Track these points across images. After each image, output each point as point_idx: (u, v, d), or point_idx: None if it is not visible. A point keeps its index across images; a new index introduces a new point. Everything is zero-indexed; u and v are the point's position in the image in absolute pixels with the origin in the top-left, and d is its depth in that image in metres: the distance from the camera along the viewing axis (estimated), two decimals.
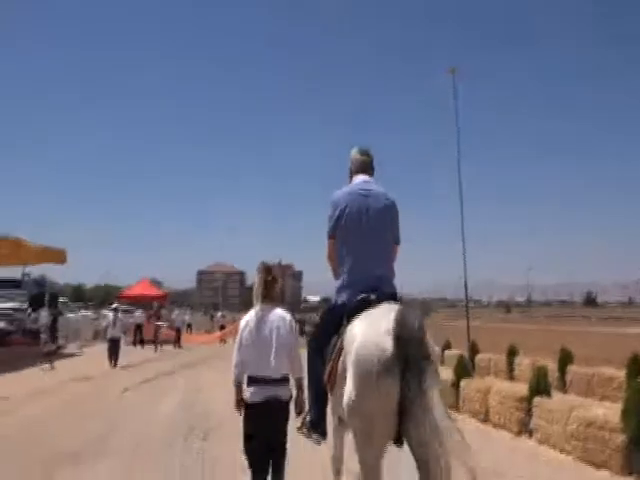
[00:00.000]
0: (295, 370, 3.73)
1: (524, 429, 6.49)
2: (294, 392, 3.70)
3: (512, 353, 11.62)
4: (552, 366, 9.96)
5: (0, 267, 20.03)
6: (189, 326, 28.96)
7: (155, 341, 21.44)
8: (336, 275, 3.49)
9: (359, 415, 2.73)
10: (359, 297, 3.18)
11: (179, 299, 64.96)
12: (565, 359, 10.08)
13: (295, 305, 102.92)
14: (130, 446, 6.10)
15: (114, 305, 16.93)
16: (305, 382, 3.64)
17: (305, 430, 3.45)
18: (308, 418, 3.47)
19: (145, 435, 6.64)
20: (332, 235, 3.45)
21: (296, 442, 3.73)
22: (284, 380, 3.67)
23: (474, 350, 12.54)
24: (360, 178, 3.57)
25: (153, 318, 22.70)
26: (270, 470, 3.60)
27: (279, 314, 3.77)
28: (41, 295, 22.67)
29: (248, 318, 3.77)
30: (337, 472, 3.58)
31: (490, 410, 7.22)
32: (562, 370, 9.93)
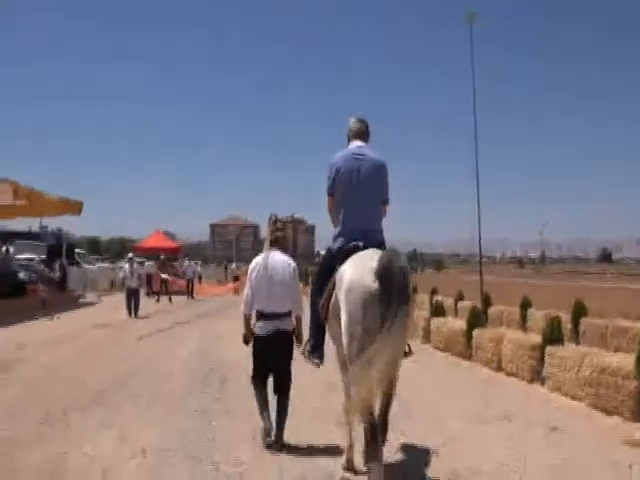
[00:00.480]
0: (295, 308, 4.42)
1: (536, 377, 6.57)
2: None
3: (525, 305, 11.64)
4: (565, 318, 9.98)
5: (18, 218, 20.21)
6: (199, 278, 29.26)
7: (158, 293, 21.55)
8: (335, 226, 3.98)
9: (354, 338, 3.24)
10: (350, 244, 3.72)
11: (192, 252, 65.64)
12: (579, 311, 10.07)
13: (307, 258, 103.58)
14: (150, 390, 6.29)
15: (130, 255, 16.94)
16: (304, 317, 4.36)
17: (306, 354, 4.08)
18: (308, 345, 4.07)
19: (164, 381, 6.83)
20: (331, 192, 3.96)
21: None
22: (288, 314, 4.37)
23: (487, 302, 12.57)
24: (355, 144, 4.00)
25: (161, 270, 22.60)
26: (277, 395, 4.37)
27: (284, 259, 4.42)
28: (59, 247, 23.02)
29: (257, 260, 4.43)
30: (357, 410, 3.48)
31: (503, 359, 7.29)
32: (575, 322, 9.94)
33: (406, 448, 4.32)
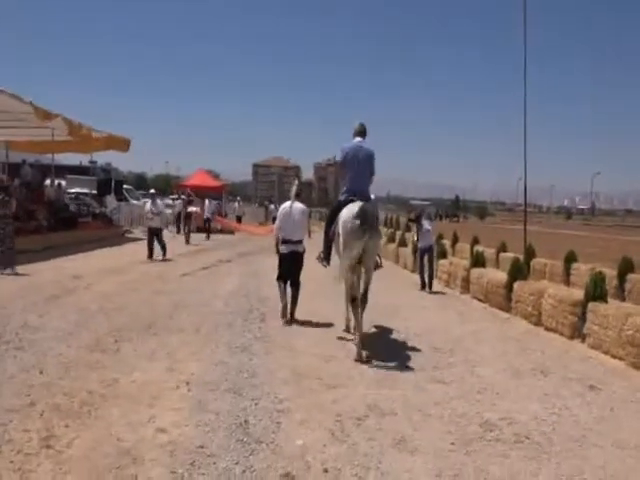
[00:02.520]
0: (305, 236, 7.15)
1: (577, 333, 6.50)
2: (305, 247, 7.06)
3: (570, 259, 11.39)
4: (611, 274, 9.73)
5: (69, 153, 20.78)
6: (239, 217, 29.59)
7: (207, 230, 21.64)
8: (342, 186, 6.41)
9: (345, 250, 5.66)
10: (349, 197, 5.97)
11: (235, 191, 66.31)
12: (626, 267, 9.80)
13: None
14: (194, 324, 6.56)
15: (152, 191, 15.53)
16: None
17: (319, 260, 6.54)
18: (321, 254, 6.51)
19: (207, 316, 7.09)
20: (342, 166, 6.33)
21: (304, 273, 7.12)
22: (300, 242, 7.00)
23: (530, 254, 12.34)
24: (357, 139, 6.27)
25: (189, 206, 20.77)
26: (292, 288, 6.98)
27: (301, 207, 7.05)
28: (107, 182, 23.62)
29: (285, 205, 7.10)
30: (350, 299, 6.07)
31: (543, 313, 7.23)
32: (622, 278, 9.69)
33: (439, 390, 4.41)
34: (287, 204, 7.02)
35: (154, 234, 13.48)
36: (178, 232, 21.90)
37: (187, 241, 18.83)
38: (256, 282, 10.39)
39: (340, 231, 5.72)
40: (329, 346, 5.83)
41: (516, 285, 8.05)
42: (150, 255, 13.28)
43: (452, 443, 3.51)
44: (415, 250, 11.63)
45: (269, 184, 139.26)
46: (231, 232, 25.23)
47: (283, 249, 6.93)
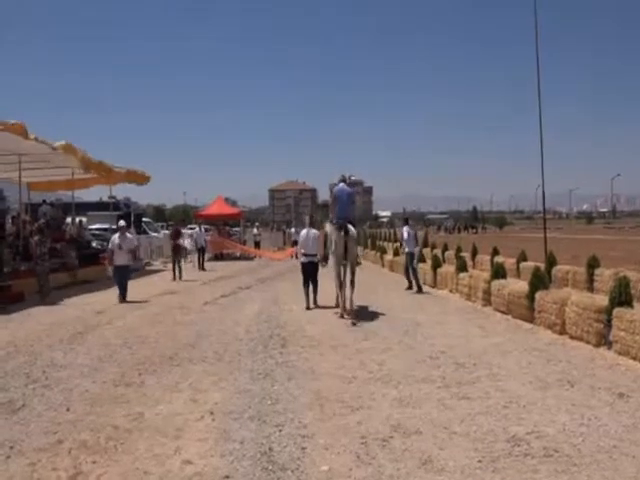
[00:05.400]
0: (318, 251, 10.35)
1: (603, 341, 6.38)
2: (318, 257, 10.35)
3: (592, 264, 11.20)
4: (637, 277, 9.55)
5: (90, 187, 21.21)
6: (257, 243, 29.81)
7: (177, 262, 16.69)
8: (332, 216, 9.84)
9: (334, 253, 9.49)
10: (337, 220, 9.52)
11: (252, 217, 66.83)
12: None
13: (365, 220, 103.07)
14: (216, 353, 6.60)
15: (120, 223, 12.94)
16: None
17: (322, 264, 10.36)
18: (324, 261, 10.32)
19: (229, 344, 7.13)
20: (334, 200, 9.92)
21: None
22: (315, 255, 10.33)
23: (551, 262, 12.18)
24: (341, 184, 10.05)
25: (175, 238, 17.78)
26: (311, 287, 10.36)
27: (314, 231, 10.57)
28: (127, 216, 24.03)
29: (303, 233, 10.75)
30: (339, 284, 9.38)
31: (567, 322, 7.11)
32: None
33: (464, 407, 4.36)
34: (304, 231, 10.73)
35: (120, 272, 11.84)
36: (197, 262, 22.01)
37: (178, 277, 16.28)
38: (276, 308, 10.43)
39: (332, 239, 9.47)
40: (349, 367, 5.81)
41: (538, 295, 7.94)
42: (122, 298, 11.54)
43: (479, 461, 3.46)
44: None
45: (285, 208, 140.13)
46: (250, 258, 25.42)
47: (304, 260, 10.40)
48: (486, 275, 10.35)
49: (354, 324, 8.38)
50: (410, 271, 12.63)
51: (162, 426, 4.18)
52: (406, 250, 12.78)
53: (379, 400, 4.70)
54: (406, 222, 13.86)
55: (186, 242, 20.11)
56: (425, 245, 19.84)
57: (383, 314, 9.31)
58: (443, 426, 4.05)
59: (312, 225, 10.89)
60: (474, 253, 16.84)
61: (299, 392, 4.94)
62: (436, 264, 13.39)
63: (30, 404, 4.75)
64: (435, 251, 18.00)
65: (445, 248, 18.86)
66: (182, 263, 17.25)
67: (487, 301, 9.85)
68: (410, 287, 12.55)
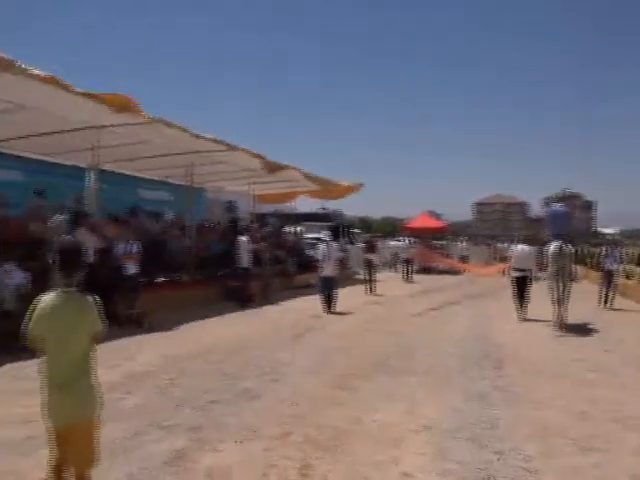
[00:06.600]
0: (531, 266, 10.60)
1: None
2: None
3: None
4: None
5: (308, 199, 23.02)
6: (463, 258, 29.00)
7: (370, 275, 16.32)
8: (548, 233, 9.96)
9: (549, 269, 9.60)
10: (553, 237, 9.65)
11: (457, 231, 65.34)
12: None
13: (584, 238, 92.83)
14: (427, 366, 6.56)
15: (323, 233, 13.48)
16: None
17: (536, 280, 11.05)
18: (537, 277, 11.53)
19: (439, 358, 7.03)
20: (549, 218, 10.50)
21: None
22: (528, 270, 10.40)
23: None
24: (558, 204, 11.08)
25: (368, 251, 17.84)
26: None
27: (528, 248, 10.51)
28: (338, 227, 25.49)
29: (518, 248, 10.71)
30: (555, 300, 9.59)
31: None
32: None
33: None
34: (519, 247, 10.73)
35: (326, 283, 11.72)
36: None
37: (369, 291, 15.91)
38: (488, 326, 9.99)
39: (547, 256, 9.57)
40: (576, 401, 5.25)
41: None
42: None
43: None
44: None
45: (492, 222, 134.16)
46: (456, 272, 24.85)
47: (516, 274, 10.50)
48: None
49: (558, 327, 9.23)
50: (605, 287, 12.91)
51: (379, 433, 4.28)
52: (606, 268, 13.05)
53: (616, 444, 4.15)
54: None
55: (376, 257, 18.65)
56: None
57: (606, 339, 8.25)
58: None
59: (526, 241, 11.11)
60: None
61: (519, 420, 4.63)
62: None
63: (263, 395, 5.29)
64: None
65: None
66: (375, 277, 16.57)
67: None
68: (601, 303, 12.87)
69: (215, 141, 11.18)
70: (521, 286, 10.53)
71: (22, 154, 11.27)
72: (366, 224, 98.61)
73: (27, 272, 7.39)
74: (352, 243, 27.58)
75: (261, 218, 20.58)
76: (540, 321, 10.03)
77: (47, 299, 2.68)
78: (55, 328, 2.64)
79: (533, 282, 10.74)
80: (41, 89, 7.24)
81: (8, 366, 6.09)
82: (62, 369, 2.65)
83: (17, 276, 7.23)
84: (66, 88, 7.46)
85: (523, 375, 6.26)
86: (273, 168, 14.43)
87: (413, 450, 3.94)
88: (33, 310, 2.68)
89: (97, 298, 2.77)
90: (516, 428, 4.43)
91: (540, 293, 10.51)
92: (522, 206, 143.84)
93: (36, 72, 6.86)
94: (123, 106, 8.37)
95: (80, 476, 2.74)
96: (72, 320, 2.67)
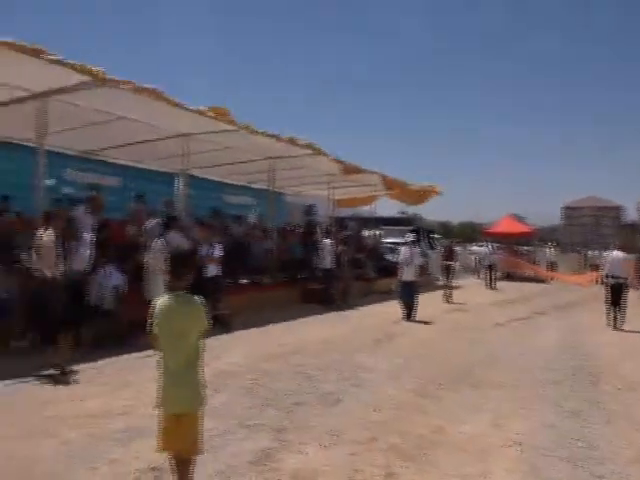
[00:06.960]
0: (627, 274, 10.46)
1: None
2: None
3: None
4: None
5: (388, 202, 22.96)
6: (552, 264, 27.50)
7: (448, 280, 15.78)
8: None
9: None
10: None
11: (544, 236, 62.24)
12: None
13: None
14: (513, 379, 6.29)
15: (409, 236, 13.18)
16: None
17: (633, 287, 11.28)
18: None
19: (525, 371, 6.72)
20: None
21: None
22: (623, 277, 10.12)
23: None
24: None
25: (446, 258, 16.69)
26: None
27: (622, 254, 10.56)
28: (419, 231, 25.13)
29: (612, 254, 10.58)
30: None
31: None
32: None
33: None
34: (614, 253, 10.57)
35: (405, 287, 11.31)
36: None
37: (447, 300, 15.14)
38: (580, 339, 9.44)
39: None
40: None
41: None
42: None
43: None
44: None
45: (582, 227, 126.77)
46: (542, 280, 23.70)
47: (611, 281, 10.29)
48: None
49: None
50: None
51: (465, 445, 4.15)
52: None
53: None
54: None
55: (455, 264, 17.83)
56: None
57: None
58: None
59: (622, 248, 11.05)
60: None
61: (620, 441, 4.32)
62: None
63: (344, 399, 5.29)
64: None
65: None
66: (453, 284, 15.98)
67: None
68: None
69: (300, 145, 11.30)
70: (616, 294, 10.20)
71: (120, 161, 12.06)
72: (446, 229, 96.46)
73: (124, 274, 7.85)
74: (432, 248, 27.08)
75: (340, 222, 20.70)
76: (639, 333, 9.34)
77: (162, 302, 2.93)
78: (170, 327, 2.88)
79: (630, 291, 10.20)
80: (144, 101, 7.69)
81: (107, 360, 6.50)
82: (176, 363, 2.88)
83: (116, 277, 7.69)
84: (167, 100, 7.83)
85: (622, 391, 5.85)
86: (351, 171, 14.44)
87: (503, 466, 3.77)
88: (152, 312, 2.93)
89: (202, 299, 2.96)
90: (617, 450, 4.14)
91: (639, 303, 9.83)
92: (616, 210, 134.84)
93: (144, 86, 7.33)
94: (219, 115, 8.76)
95: (186, 462, 2.95)
96: (185, 320, 2.90)
